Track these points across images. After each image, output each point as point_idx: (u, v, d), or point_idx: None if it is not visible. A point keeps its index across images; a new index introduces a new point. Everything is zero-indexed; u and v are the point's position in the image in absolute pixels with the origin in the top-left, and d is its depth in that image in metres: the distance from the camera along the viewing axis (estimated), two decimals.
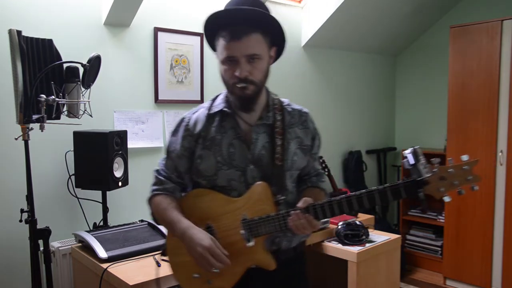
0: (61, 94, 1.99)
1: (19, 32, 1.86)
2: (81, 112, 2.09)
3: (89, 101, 2.12)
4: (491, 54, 3.36)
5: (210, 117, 1.46)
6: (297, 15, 3.66)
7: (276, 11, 3.48)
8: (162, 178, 1.50)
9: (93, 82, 2.07)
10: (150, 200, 1.51)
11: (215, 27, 1.37)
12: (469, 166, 1.22)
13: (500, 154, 3.35)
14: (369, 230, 2.59)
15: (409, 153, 1.27)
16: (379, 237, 2.56)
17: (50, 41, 2.04)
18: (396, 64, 4.75)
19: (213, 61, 3.13)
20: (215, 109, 1.46)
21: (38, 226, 1.96)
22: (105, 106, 2.63)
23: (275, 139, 1.41)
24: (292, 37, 3.64)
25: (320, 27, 3.57)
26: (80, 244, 2.22)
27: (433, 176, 1.23)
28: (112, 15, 2.56)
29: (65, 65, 2.04)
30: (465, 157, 1.23)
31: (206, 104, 1.52)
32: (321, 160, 3.57)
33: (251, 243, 1.35)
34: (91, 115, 2.14)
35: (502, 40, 3.31)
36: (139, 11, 2.67)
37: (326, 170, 3.53)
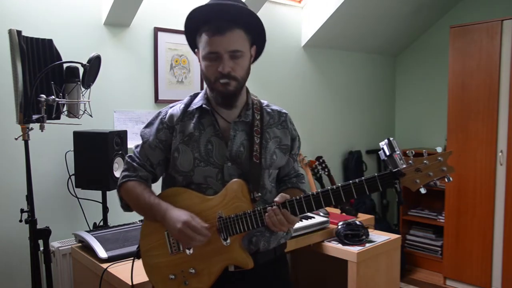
0: (61, 94, 2.00)
1: (19, 32, 1.86)
2: (81, 112, 2.09)
3: (89, 101, 2.12)
4: (491, 54, 3.36)
5: (188, 112, 1.45)
6: (297, 15, 3.66)
7: (276, 11, 3.48)
8: (136, 164, 1.48)
9: (93, 82, 2.07)
10: (121, 186, 1.48)
11: (197, 23, 1.37)
12: (443, 157, 1.23)
13: (500, 154, 3.35)
14: (369, 230, 2.59)
15: (384, 144, 1.28)
16: (379, 237, 2.56)
17: (50, 41, 2.04)
18: (396, 64, 4.75)
19: None
20: (194, 105, 1.46)
21: (38, 226, 1.96)
22: (105, 106, 2.63)
23: (253, 137, 1.41)
24: (292, 37, 3.64)
25: (320, 27, 3.57)
26: (80, 244, 2.22)
27: (409, 168, 1.23)
28: (112, 15, 2.56)
29: (65, 65, 2.04)
30: (439, 149, 1.26)
31: (185, 100, 1.51)
32: (321, 160, 3.57)
33: (227, 242, 1.35)
34: (91, 115, 2.14)
35: (502, 40, 3.31)
36: (139, 11, 2.67)
37: (326, 170, 3.53)
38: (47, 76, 1.99)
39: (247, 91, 1.49)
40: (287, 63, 3.63)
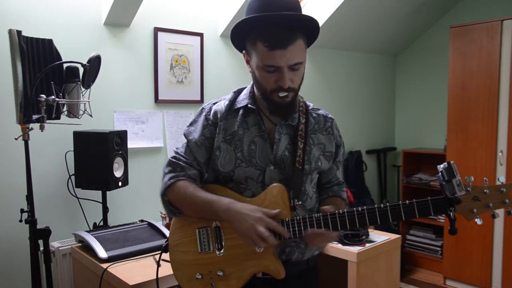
0: (61, 94, 1.99)
1: (19, 32, 1.86)
2: (81, 112, 2.09)
3: (89, 101, 2.12)
4: (491, 54, 3.36)
5: (232, 110, 1.39)
6: None
7: None
8: (183, 164, 1.38)
9: (93, 82, 2.07)
10: (168, 188, 1.36)
11: (252, 30, 1.27)
12: (507, 188, 1.14)
13: (500, 154, 3.35)
14: (369, 230, 2.59)
15: (443, 168, 1.18)
16: (379, 237, 2.56)
17: (50, 41, 2.04)
18: (396, 64, 4.75)
19: (213, 61, 3.14)
20: (239, 104, 1.39)
21: (38, 226, 1.96)
22: (105, 106, 2.63)
23: (297, 142, 1.35)
24: None
25: (320, 27, 3.56)
26: (80, 244, 2.22)
27: (466, 195, 1.15)
28: (112, 15, 2.56)
29: (65, 65, 2.04)
30: (502, 178, 1.16)
31: (228, 96, 1.43)
32: None
33: (260, 248, 1.28)
34: (91, 115, 2.14)
35: (502, 40, 3.31)
36: (139, 11, 2.67)
37: None
38: (47, 76, 1.99)
39: None
40: None
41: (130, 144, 2.63)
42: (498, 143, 3.36)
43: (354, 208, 1.24)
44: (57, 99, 1.96)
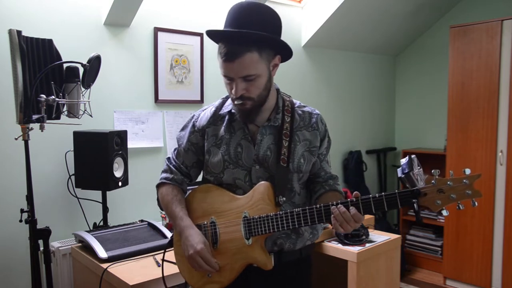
0: (61, 94, 1.99)
1: (19, 32, 1.86)
2: (81, 112, 2.09)
3: (89, 101, 2.12)
4: (491, 54, 3.36)
5: (219, 116, 1.50)
6: (297, 15, 3.66)
7: (276, 11, 3.47)
8: (172, 167, 1.57)
9: (93, 82, 2.07)
10: (158, 187, 1.58)
11: (216, 39, 1.40)
12: (469, 180, 1.17)
13: (500, 154, 3.35)
14: (369, 230, 2.59)
15: (405, 162, 1.24)
16: (379, 237, 2.56)
17: (50, 41, 2.04)
18: (396, 64, 4.75)
19: (213, 61, 3.13)
20: (225, 109, 1.50)
21: (38, 226, 1.96)
22: (105, 106, 2.63)
23: (282, 141, 1.43)
24: (292, 37, 3.64)
25: (320, 27, 3.57)
26: (80, 244, 2.22)
27: (430, 188, 1.20)
28: (112, 15, 2.56)
29: (65, 65, 2.04)
30: (467, 171, 1.18)
31: (216, 102, 1.55)
32: None
33: (249, 241, 1.38)
34: (91, 115, 2.14)
35: (502, 40, 3.31)
36: (139, 11, 2.67)
37: None
38: (47, 76, 1.99)
39: (278, 93, 1.50)
40: (287, 63, 3.60)
41: (130, 144, 2.63)
42: (498, 143, 3.36)
43: (322, 204, 1.31)
44: (57, 99, 1.96)
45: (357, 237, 2.48)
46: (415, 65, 4.59)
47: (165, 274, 1.71)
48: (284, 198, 1.40)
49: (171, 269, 1.80)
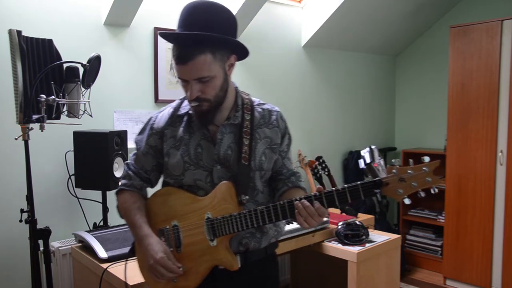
0: (61, 94, 2.00)
1: (19, 32, 1.86)
2: (81, 112, 2.09)
3: (89, 101, 2.13)
4: (491, 54, 3.36)
5: (177, 117, 1.46)
6: (297, 15, 3.66)
7: (276, 11, 3.48)
8: (131, 173, 1.52)
9: (93, 82, 2.07)
10: (117, 194, 1.55)
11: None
12: (429, 168, 1.20)
13: (500, 154, 3.35)
14: (369, 230, 2.59)
15: (366, 152, 1.27)
16: (379, 237, 2.56)
17: (50, 41, 2.04)
18: (396, 64, 4.75)
19: None
20: (183, 110, 1.46)
21: (38, 226, 1.96)
22: (105, 106, 2.63)
23: (242, 139, 1.41)
24: (292, 37, 3.64)
25: (320, 27, 3.57)
26: (80, 244, 2.22)
27: (392, 177, 1.21)
28: (112, 15, 2.56)
29: (65, 65, 2.04)
30: (426, 158, 1.21)
31: (174, 103, 1.51)
32: (321, 160, 3.57)
33: (213, 243, 1.36)
34: (91, 115, 2.14)
35: (502, 40, 3.31)
36: (139, 11, 2.67)
37: (326, 170, 3.53)
38: (47, 76, 1.99)
39: (236, 91, 1.47)
40: (287, 63, 3.63)
41: (130, 144, 2.63)
42: (498, 143, 3.36)
43: (285, 200, 1.30)
44: (57, 99, 1.96)
45: (357, 237, 2.48)
46: (415, 65, 4.58)
47: (133, 283, 1.69)
48: (247, 197, 1.38)
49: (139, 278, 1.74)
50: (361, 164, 1.22)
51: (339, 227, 2.55)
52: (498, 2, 3.91)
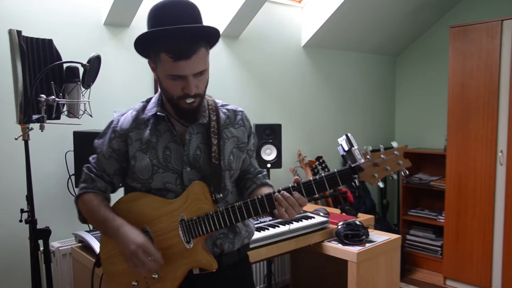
0: (61, 94, 2.00)
1: (19, 32, 1.86)
2: (81, 112, 2.09)
3: (89, 101, 2.12)
4: (491, 54, 3.36)
5: (143, 120, 1.42)
6: (297, 15, 3.66)
7: (276, 11, 3.48)
8: (94, 175, 1.46)
9: (93, 82, 2.07)
10: (78, 198, 1.46)
11: (155, 42, 1.31)
12: (399, 151, 1.26)
13: (500, 154, 3.35)
14: (369, 230, 2.59)
15: (343, 140, 1.31)
16: (379, 237, 2.56)
17: (50, 41, 2.04)
18: (396, 64, 4.75)
19: (212, 61, 3.12)
20: (149, 112, 1.43)
21: (38, 226, 1.96)
22: (105, 106, 2.62)
23: (210, 139, 1.40)
24: (292, 37, 3.64)
25: (320, 27, 3.57)
26: (80, 244, 2.22)
27: (367, 163, 1.26)
28: (112, 15, 2.56)
29: (65, 65, 2.04)
30: (395, 144, 1.29)
31: (137, 106, 1.48)
32: (321, 160, 3.57)
33: (190, 245, 1.33)
34: (91, 115, 2.14)
35: (502, 40, 3.31)
36: (139, 11, 2.67)
37: (326, 170, 3.53)
38: (47, 76, 1.99)
39: None
40: (287, 63, 3.63)
41: None
42: (498, 143, 3.36)
43: (264, 194, 1.30)
44: (57, 99, 1.96)
45: (357, 237, 2.48)
46: (415, 65, 4.59)
47: None
48: (221, 195, 1.37)
49: None
50: (341, 151, 1.26)
51: (339, 227, 2.55)
52: (498, 2, 3.91)
